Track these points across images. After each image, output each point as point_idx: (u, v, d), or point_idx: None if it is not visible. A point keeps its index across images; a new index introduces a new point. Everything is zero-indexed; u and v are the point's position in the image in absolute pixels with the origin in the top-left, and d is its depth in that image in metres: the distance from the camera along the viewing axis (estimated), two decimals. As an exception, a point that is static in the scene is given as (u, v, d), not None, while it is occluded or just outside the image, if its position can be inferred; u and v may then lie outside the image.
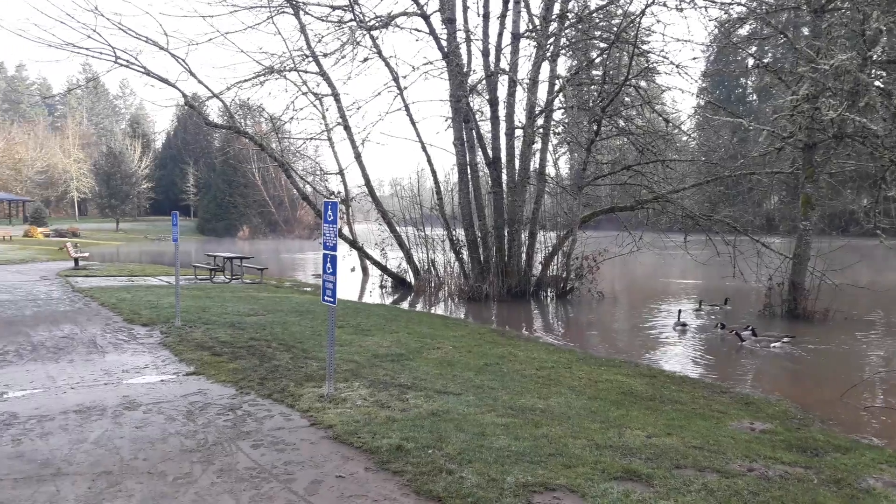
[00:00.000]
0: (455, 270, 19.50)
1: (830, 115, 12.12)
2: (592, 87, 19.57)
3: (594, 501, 4.00)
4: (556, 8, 18.13)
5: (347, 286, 21.03)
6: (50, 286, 16.66)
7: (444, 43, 18.26)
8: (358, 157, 20.29)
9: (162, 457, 4.71)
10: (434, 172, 20.21)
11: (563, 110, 19.35)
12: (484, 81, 18.95)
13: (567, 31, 18.95)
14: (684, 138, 22.84)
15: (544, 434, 5.32)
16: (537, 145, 18.81)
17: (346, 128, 19.89)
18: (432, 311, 16.19)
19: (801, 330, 13.09)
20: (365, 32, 18.66)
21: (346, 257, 25.24)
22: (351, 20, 18.57)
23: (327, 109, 20.75)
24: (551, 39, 18.15)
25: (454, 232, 19.21)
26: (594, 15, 19.33)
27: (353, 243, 21.53)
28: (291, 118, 20.52)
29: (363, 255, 22.57)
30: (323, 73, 19.45)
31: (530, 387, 7.43)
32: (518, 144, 18.54)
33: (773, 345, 11.36)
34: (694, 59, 62.17)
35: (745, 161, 17.35)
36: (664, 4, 15.64)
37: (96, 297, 14.11)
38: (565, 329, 14.37)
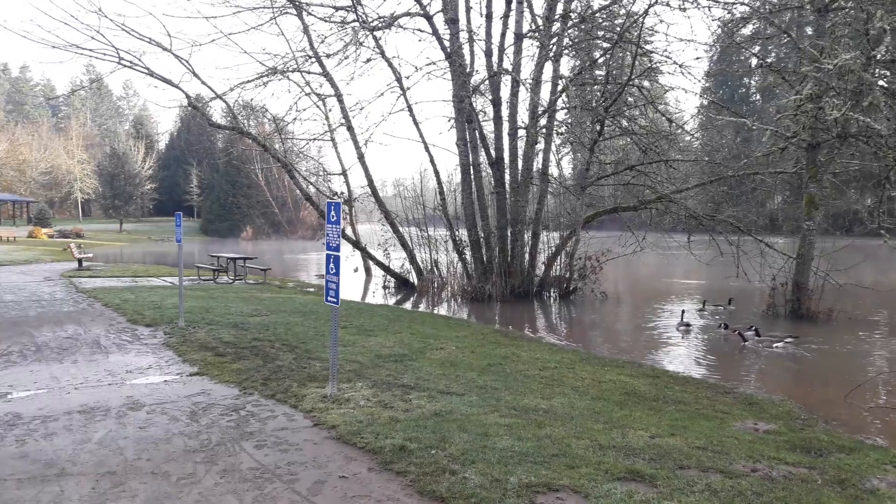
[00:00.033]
0: (458, 271, 19.51)
1: (834, 115, 12.09)
2: (595, 87, 19.55)
3: (597, 502, 3.99)
4: (559, 8, 18.14)
5: (350, 287, 21.04)
6: (54, 287, 16.71)
7: (446, 43, 18.27)
8: (361, 157, 20.32)
9: (166, 457, 4.72)
10: (437, 173, 20.24)
11: (566, 110, 19.37)
12: (487, 82, 18.96)
13: (570, 31, 18.96)
14: (687, 138, 22.84)
15: (547, 434, 5.32)
16: (540, 145, 18.80)
17: (350, 128, 19.92)
18: (435, 312, 16.19)
19: (805, 330, 13.06)
20: (368, 33, 18.69)
21: (349, 258, 25.25)
22: (354, 21, 18.61)
23: (330, 110, 20.82)
24: (554, 39, 18.15)
25: (457, 232, 19.22)
26: (597, 15, 19.32)
27: (357, 244, 21.55)
28: (295, 119, 20.58)
29: (366, 256, 22.59)
30: (326, 74, 19.48)
31: (533, 387, 7.43)
32: (521, 144, 18.56)
33: (775, 345, 11.34)
34: (697, 58, 61.94)
35: (748, 161, 17.31)
36: (667, 4, 15.63)
37: (100, 298, 14.14)
38: (568, 329, 14.36)
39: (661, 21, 50.21)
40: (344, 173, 22.47)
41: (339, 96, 19.70)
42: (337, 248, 6.23)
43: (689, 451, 5.08)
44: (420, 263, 20.19)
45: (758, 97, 65.39)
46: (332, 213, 6.18)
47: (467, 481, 4.20)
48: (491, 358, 9.15)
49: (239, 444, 5.00)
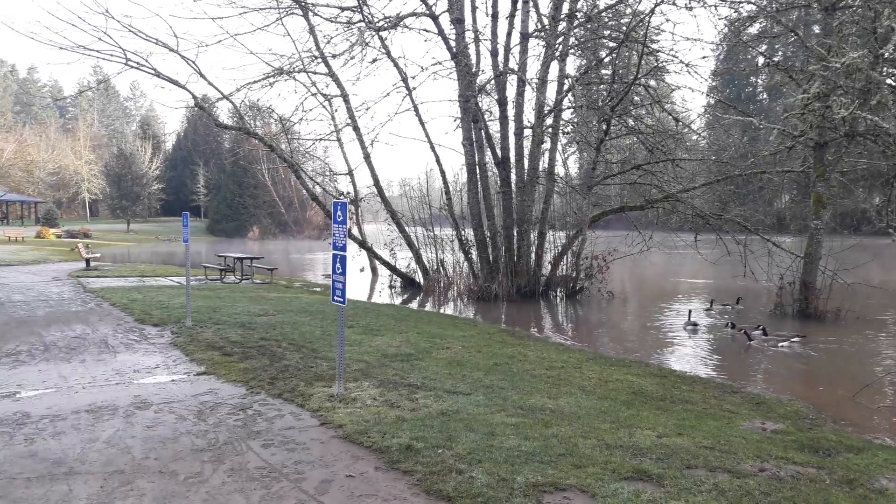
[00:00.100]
0: (464, 270, 19.51)
1: (842, 114, 12.03)
2: (602, 86, 19.53)
3: (604, 501, 3.98)
4: (565, 7, 18.12)
5: (357, 286, 21.07)
6: (62, 287, 16.78)
7: (452, 43, 18.27)
8: (367, 157, 20.34)
9: (173, 456, 4.74)
10: (443, 172, 20.23)
11: (572, 110, 19.32)
12: (493, 81, 18.94)
13: (576, 30, 18.93)
14: (694, 137, 22.76)
15: (554, 434, 5.31)
16: (546, 145, 18.81)
17: (356, 128, 19.96)
18: (441, 311, 16.19)
19: (813, 329, 13.01)
20: (374, 33, 18.70)
21: (356, 257, 25.30)
22: (360, 21, 18.61)
23: (336, 110, 20.85)
24: (560, 39, 18.12)
25: (463, 232, 19.21)
26: (603, 14, 19.30)
27: (363, 244, 21.57)
28: (301, 119, 20.68)
29: (372, 256, 22.61)
30: (332, 74, 19.51)
31: (540, 387, 7.42)
32: (527, 144, 18.53)
33: (780, 344, 11.31)
34: (703, 57, 61.52)
35: (755, 160, 17.26)
36: (673, 3, 15.60)
37: (108, 298, 14.19)
38: (575, 329, 14.35)
39: (668, 20, 50.10)
40: (350, 173, 22.51)
41: (345, 96, 19.73)
42: (343, 248, 6.23)
43: (697, 450, 5.07)
44: (426, 263, 20.20)
45: (765, 96, 65.10)
46: (339, 212, 6.19)
47: (474, 480, 4.20)
48: (497, 357, 9.15)
49: (246, 444, 5.01)
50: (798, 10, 17.53)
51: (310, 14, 18.71)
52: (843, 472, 4.77)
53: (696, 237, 18.00)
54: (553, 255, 19.13)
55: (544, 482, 4.21)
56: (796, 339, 11.61)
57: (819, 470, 4.80)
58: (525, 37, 18.46)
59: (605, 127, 17.73)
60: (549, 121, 18.44)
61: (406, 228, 20.51)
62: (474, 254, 18.93)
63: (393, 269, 20.93)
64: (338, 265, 6.25)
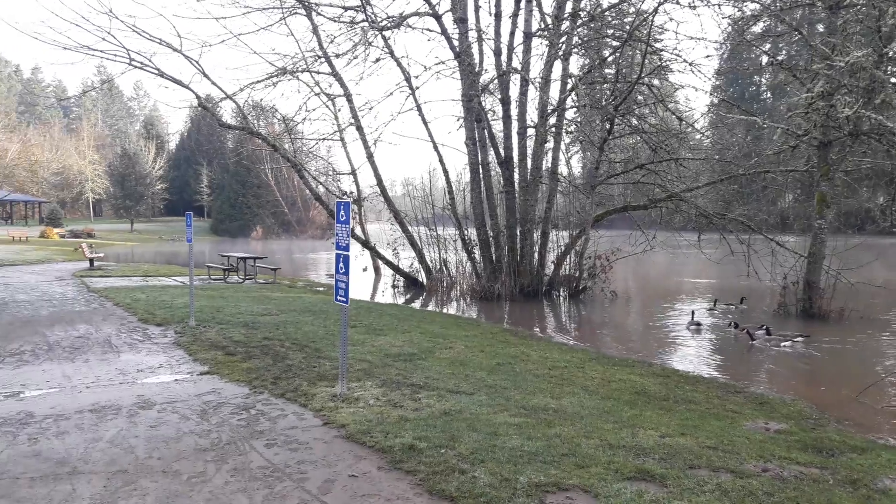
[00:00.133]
0: (467, 270, 19.51)
1: (846, 113, 12.01)
2: (605, 85, 19.50)
3: (607, 501, 3.98)
4: (569, 6, 18.12)
5: (360, 286, 21.08)
6: (66, 286, 16.83)
7: (455, 42, 18.26)
8: (370, 157, 20.34)
9: (176, 456, 4.75)
10: (446, 172, 20.25)
11: (575, 109, 19.32)
12: (496, 81, 18.93)
13: (579, 29, 18.90)
14: (698, 136, 22.72)
15: (557, 434, 5.31)
16: (549, 144, 18.78)
17: (359, 128, 19.95)
18: (444, 311, 16.19)
19: (817, 329, 12.98)
20: (377, 33, 18.70)
21: (359, 257, 25.32)
22: (363, 21, 18.63)
23: (339, 110, 20.85)
24: (563, 38, 18.10)
25: (466, 231, 19.22)
26: (606, 13, 19.26)
27: (366, 243, 21.59)
28: (304, 119, 20.65)
29: (375, 255, 22.62)
30: (335, 74, 19.52)
31: (543, 386, 7.41)
32: (530, 143, 18.53)
33: (782, 344, 11.29)
34: (707, 56, 61.68)
35: (759, 159, 17.22)
36: (677, 2, 15.58)
37: (111, 298, 14.23)
38: (578, 329, 14.33)
39: (671, 19, 50.14)
40: (353, 173, 22.52)
41: (348, 96, 19.74)
42: (346, 248, 6.24)
43: (700, 450, 5.06)
44: (429, 263, 20.20)
45: (768, 95, 64.99)
46: (342, 212, 6.19)
47: (477, 480, 4.20)
48: (500, 357, 9.14)
49: (249, 443, 5.01)
50: (802, 9, 17.49)
51: (313, 14, 18.73)
52: (846, 473, 4.76)
53: (700, 237, 17.98)
54: (556, 254, 19.11)
55: (547, 482, 4.20)
56: (799, 338, 11.59)
57: (822, 470, 4.80)
58: (528, 36, 18.45)
59: (608, 126, 17.71)
60: (552, 120, 18.42)
61: (409, 228, 20.51)
62: (477, 253, 18.93)
63: (396, 268, 20.94)
64: (341, 265, 6.25)
